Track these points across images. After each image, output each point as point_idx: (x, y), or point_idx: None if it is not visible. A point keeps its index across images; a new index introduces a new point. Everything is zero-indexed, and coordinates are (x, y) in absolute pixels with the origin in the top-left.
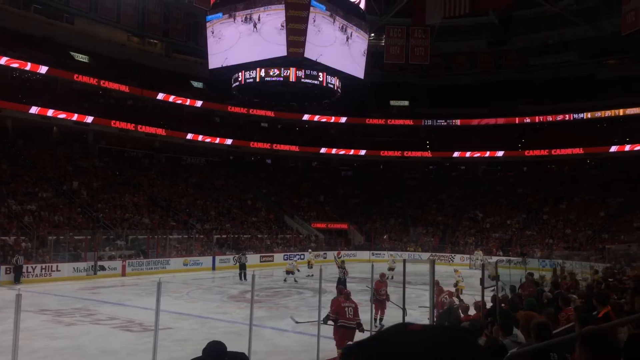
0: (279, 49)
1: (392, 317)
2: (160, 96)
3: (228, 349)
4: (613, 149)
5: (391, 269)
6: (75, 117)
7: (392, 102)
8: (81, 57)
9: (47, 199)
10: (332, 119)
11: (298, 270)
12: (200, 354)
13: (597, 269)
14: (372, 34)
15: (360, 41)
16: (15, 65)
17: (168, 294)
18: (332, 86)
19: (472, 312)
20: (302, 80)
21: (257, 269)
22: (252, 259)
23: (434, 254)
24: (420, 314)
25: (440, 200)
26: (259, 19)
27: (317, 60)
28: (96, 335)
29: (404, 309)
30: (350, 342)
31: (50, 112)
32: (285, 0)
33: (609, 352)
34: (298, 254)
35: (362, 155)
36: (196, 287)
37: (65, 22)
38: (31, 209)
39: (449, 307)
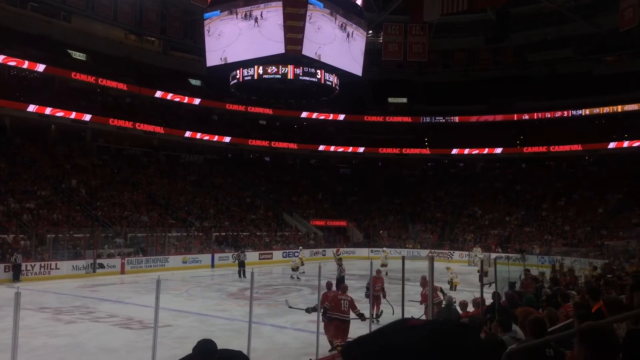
0: (280, 46)
1: (389, 313)
2: (159, 94)
3: (227, 347)
4: (611, 145)
5: (384, 265)
6: (73, 115)
7: (390, 99)
8: (78, 55)
9: (46, 197)
10: (331, 117)
11: (302, 265)
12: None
13: (595, 265)
14: (370, 31)
15: (358, 38)
16: (12, 63)
17: (167, 292)
18: (330, 83)
19: (470, 308)
20: (300, 77)
21: (256, 266)
22: (251, 256)
23: (432, 250)
24: (418, 310)
25: (438, 197)
26: (261, 16)
27: (317, 59)
28: (96, 333)
29: (392, 307)
30: (349, 339)
31: (48, 111)
32: None
33: (608, 348)
34: (297, 252)
35: (360, 153)
36: (195, 285)
37: (62, 20)
38: (30, 207)
39: (447, 304)
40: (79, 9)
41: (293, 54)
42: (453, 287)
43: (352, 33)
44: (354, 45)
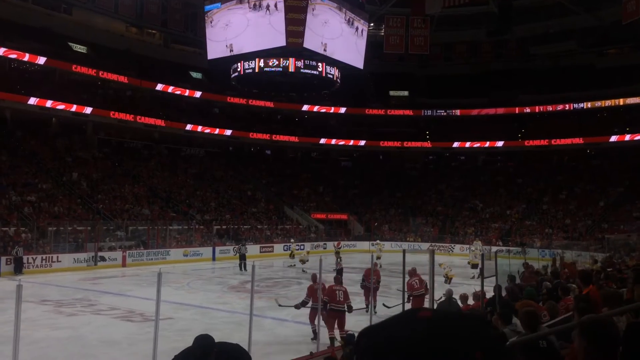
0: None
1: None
2: (159, 87)
3: (228, 339)
4: (613, 138)
5: (378, 257)
6: (74, 108)
7: (392, 93)
8: (79, 48)
9: (47, 190)
10: (332, 110)
11: (293, 257)
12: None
13: (596, 258)
14: (372, 24)
15: (361, 32)
16: (13, 56)
17: (168, 285)
18: (331, 76)
19: (470, 301)
20: (302, 70)
21: (257, 259)
22: (252, 249)
23: (433, 244)
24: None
25: (439, 191)
26: (275, 6)
27: (322, 52)
28: (97, 326)
29: (375, 303)
30: (349, 331)
31: (49, 103)
32: None
33: (608, 341)
34: (298, 245)
35: (361, 146)
36: (196, 278)
37: (63, 13)
38: (31, 200)
39: (448, 297)
40: (80, 1)
41: (294, 46)
42: (448, 280)
43: (356, 26)
44: (358, 38)
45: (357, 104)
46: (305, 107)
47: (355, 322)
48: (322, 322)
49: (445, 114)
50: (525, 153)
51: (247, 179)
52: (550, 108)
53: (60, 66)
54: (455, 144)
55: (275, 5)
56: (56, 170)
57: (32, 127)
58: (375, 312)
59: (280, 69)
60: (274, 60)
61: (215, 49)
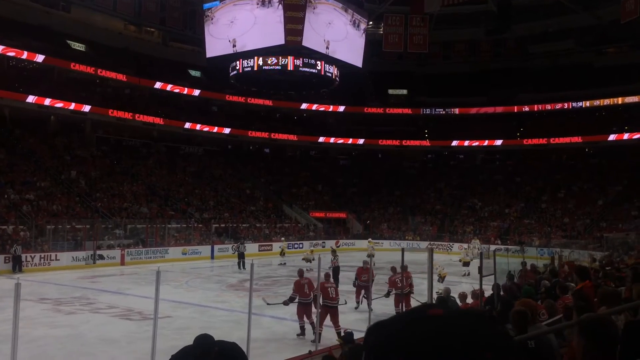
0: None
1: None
2: (158, 85)
3: (227, 338)
4: (611, 137)
5: (370, 255)
6: (72, 106)
7: (391, 91)
8: (78, 46)
9: (46, 188)
10: (331, 108)
11: (283, 255)
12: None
13: (595, 257)
14: (371, 22)
15: (361, 30)
16: (11, 54)
17: (167, 283)
18: (330, 75)
19: (469, 300)
20: (300, 69)
21: (256, 258)
22: (251, 248)
23: (432, 242)
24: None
25: (438, 189)
26: (279, 3)
27: (325, 52)
28: (96, 324)
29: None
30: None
31: (47, 101)
32: None
33: (607, 340)
34: (297, 243)
35: (360, 144)
36: (195, 276)
37: (61, 11)
38: (29, 198)
39: (446, 296)
40: None
41: (293, 45)
42: (441, 279)
43: (357, 24)
44: (357, 37)
45: (356, 102)
46: (304, 106)
47: (354, 321)
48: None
49: (444, 112)
50: (523, 152)
51: (246, 178)
52: (548, 107)
53: (59, 64)
54: (454, 143)
55: (279, 2)
56: (55, 168)
57: (31, 125)
58: (372, 310)
59: (279, 68)
60: (273, 58)
61: (215, 47)
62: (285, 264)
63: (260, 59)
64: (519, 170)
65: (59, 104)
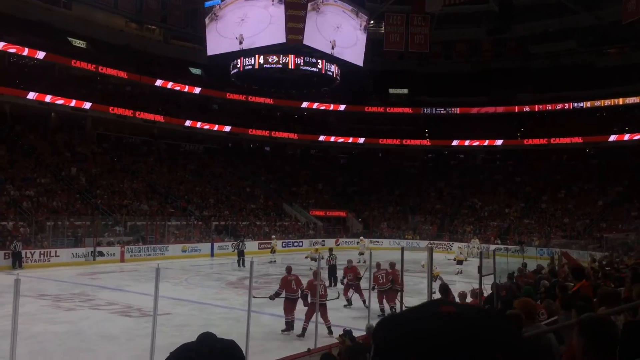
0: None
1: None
2: (159, 82)
3: (227, 335)
4: (612, 138)
5: (361, 253)
6: (73, 103)
7: (391, 90)
8: (79, 43)
9: (46, 184)
10: (331, 107)
11: (274, 252)
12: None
13: (595, 257)
14: (372, 22)
15: (363, 29)
16: (12, 50)
17: (167, 280)
18: (331, 73)
19: (468, 299)
20: (301, 67)
21: (256, 255)
22: (251, 245)
23: (432, 242)
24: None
25: (438, 189)
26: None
27: (330, 52)
28: (95, 320)
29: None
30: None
31: (48, 98)
32: None
33: (607, 339)
34: (297, 241)
35: (360, 143)
36: (195, 274)
37: (62, 7)
38: (29, 194)
39: (444, 293)
40: None
41: (294, 43)
42: (434, 277)
43: (360, 24)
44: (359, 36)
45: (356, 101)
46: (304, 104)
47: (354, 319)
48: (320, 319)
49: (444, 112)
50: (524, 152)
51: (246, 176)
52: (549, 107)
53: (60, 61)
54: (455, 142)
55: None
56: (55, 165)
57: (31, 121)
58: (367, 306)
59: (280, 66)
60: (274, 56)
61: (220, 44)
62: (275, 261)
63: (261, 57)
64: (519, 170)
65: (60, 101)
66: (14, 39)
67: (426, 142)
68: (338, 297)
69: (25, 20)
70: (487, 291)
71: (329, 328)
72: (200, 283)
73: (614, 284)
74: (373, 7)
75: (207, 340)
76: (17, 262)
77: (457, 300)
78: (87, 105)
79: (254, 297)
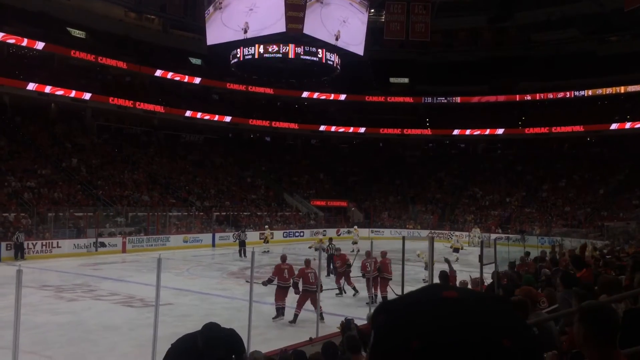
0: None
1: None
2: (159, 73)
3: (228, 325)
4: (614, 126)
5: (355, 242)
6: (73, 93)
7: (392, 79)
8: (78, 33)
9: (47, 176)
10: (332, 97)
11: (267, 242)
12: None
13: (596, 246)
14: (372, 10)
15: (363, 18)
16: (11, 41)
17: (168, 271)
18: (331, 63)
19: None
20: (301, 57)
21: (257, 246)
22: (252, 236)
23: (433, 231)
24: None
25: (439, 178)
26: None
27: (333, 43)
28: (98, 311)
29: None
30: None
31: (47, 89)
32: None
33: (607, 327)
34: (298, 231)
35: (361, 133)
36: (196, 264)
37: None
38: (31, 186)
39: (443, 279)
40: None
41: (294, 32)
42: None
43: (362, 14)
44: (361, 25)
45: (357, 90)
46: (305, 94)
47: (356, 309)
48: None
49: (445, 101)
50: (525, 141)
51: (247, 166)
52: (550, 96)
53: (59, 51)
54: (456, 132)
55: None
56: (55, 156)
57: (31, 112)
58: (356, 293)
59: (280, 56)
60: (274, 46)
61: (222, 34)
62: (269, 251)
63: (261, 46)
64: (520, 159)
65: (60, 92)
66: (13, 30)
67: (427, 132)
68: (321, 291)
69: (24, 11)
70: (488, 280)
71: (341, 324)
72: (202, 273)
73: (615, 272)
74: None
75: (213, 328)
76: (19, 253)
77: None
78: (87, 95)
79: (246, 282)
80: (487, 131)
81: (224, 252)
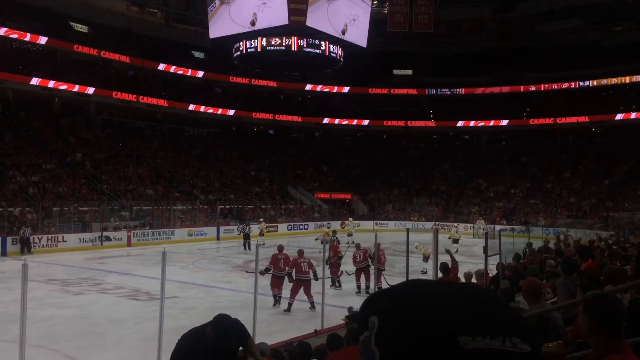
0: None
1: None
2: (162, 67)
3: (233, 317)
4: (619, 117)
5: (350, 234)
6: (76, 88)
7: (395, 71)
8: (80, 28)
9: (51, 170)
10: (335, 89)
11: (262, 235)
12: (205, 322)
13: (601, 236)
14: (375, 1)
15: (366, 10)
16: (14, 36)
17: (173, 264)
18: (334, 55)
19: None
20: (304, 49)
21: (253, 239)
22: (256, 229)
23: (437, 223)
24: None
25: (443, 170)
26: None
27: (340, 36)
28: (104, 304)
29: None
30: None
31: (51, 84)
32: None
33: (613, 317)
34: (302, 224)
35: (365, 125)
36: (201, 257)
37: None
38: (35, 180)
39: (444, 271)
40: None
41: (297, 24)
42: (426, 258)
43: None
44: (364, 17)
45: (360, 83)
46: (308, 87)
47: (358, 302)
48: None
49: (449, 93)
50: (530, 132)
51: (251, 159)
52: (555, 86)
53: (62, 46)
54: (460, 123)
55: None
56: (60, 150)
57: (35, 107)
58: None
59: (283, 48)
60: (277, 39)
61: (227, 27)
62: (264, 244)
63: (264, 39)
64: (525, 151)
65: (63, 86)
66: (16, 25)
67: (431, 124)
68: (317, 279)
69: (27, 5)
70: (492, 272)
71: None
72: (207, 266)
73: (620, 263)
74: None
75: (224, 321)
76: (25, 247)
77: (463, 280)
78: (90, 90)
79: (247, 272)
80: (492, 122)
81: (228, 245)
